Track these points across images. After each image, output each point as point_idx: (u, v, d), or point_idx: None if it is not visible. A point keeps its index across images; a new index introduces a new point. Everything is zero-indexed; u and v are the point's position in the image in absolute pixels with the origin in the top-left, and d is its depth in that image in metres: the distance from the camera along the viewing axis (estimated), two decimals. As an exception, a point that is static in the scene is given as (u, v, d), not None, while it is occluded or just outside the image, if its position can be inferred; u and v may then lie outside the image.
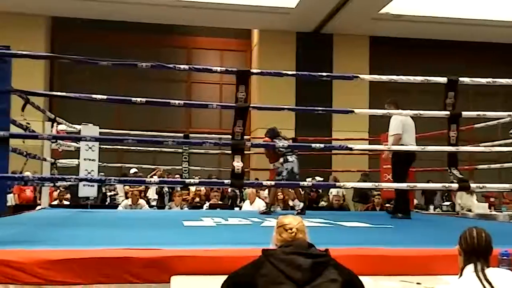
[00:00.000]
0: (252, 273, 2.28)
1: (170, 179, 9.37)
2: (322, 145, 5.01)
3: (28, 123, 5.07)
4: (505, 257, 2.88)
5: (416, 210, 9.55)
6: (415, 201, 10.63)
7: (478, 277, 2.48)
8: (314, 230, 3.72)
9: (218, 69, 4.79)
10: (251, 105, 5.06)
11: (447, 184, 4.75)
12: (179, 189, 10.20)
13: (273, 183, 6.04)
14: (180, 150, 9.08)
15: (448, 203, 11.20)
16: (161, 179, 8.81)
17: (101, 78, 13.95)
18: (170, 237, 4.32)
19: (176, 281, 2.97)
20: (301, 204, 7.25)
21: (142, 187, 10.55)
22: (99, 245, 3.27)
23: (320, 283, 2.23)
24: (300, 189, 8.55)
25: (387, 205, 9.08)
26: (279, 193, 9.24)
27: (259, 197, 9.25)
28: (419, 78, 4.75)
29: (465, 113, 4.70)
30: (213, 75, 15.06)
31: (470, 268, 2.54)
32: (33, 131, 5.51)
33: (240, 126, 4.27)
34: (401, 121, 6.51)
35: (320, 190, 11.92)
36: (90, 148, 7.12)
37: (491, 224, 6.43)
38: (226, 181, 4.35)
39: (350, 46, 15.10)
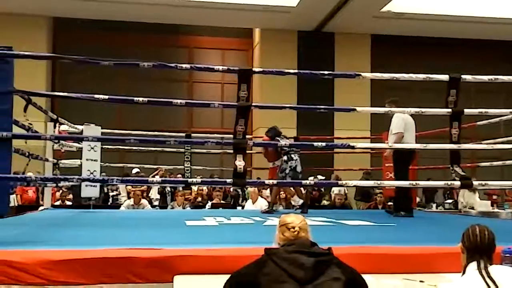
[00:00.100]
0: (255, 272, 2.28)
1: (172, 179, 9.38)
2: (324, 144, 5.01)
3: (31, 124, 5.07)
4: (508, 255, 2.88)
5: (419, 208, 9.54)
6: (417, 199, 10.61)
7: (481, 274, 2.48)
8: (317, 228, 3.72)
9: (220, 68, 4.79)
10: (253, 104, 5.06)
11: (449, 182, 4.75)
12: (181, 188, 10.21)
13: (275, 182, 6.02)
14: (182, 150, 9.08)
15: (450, 201, 11.20)
16: (163, 178, 8.80)
17: (103, 78, 13.97)
18: (173, 236, 4.32)
19: (179, 281, 2.97)
20: (300, 200, 7.25)
21: (144, 187, 10.57)
22: (102, 245, 3.28)
23: (323, 282, 2.22)
24: (302, 188, 8.57)
25: (389, 203, 9.06)
26: (281, 192, 9.24)
27: (261, 196, 9.26)
28: (421, 76, 4.74)
29: (467, 111, 4.69)
30: (215, 75, 15.07)
31: (473, 265, 2.54)
32: (36, 131, 5.52)
33: (242, 125, 4.27)
34: (403, 120, 6.53)
35: (322, 189, 11.91)
36: (92, 148, 7.12)
37: (494, 221, 6.42)
38: (228, 180, 4.35)
39: (352, 44, 15.09)
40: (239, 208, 9.62)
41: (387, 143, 6.76)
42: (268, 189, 9.05)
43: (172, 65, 4.51)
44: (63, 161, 7.37)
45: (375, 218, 6.15)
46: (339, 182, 5.45)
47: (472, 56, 15.32)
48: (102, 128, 7.56)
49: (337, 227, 5.27)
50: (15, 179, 4.54)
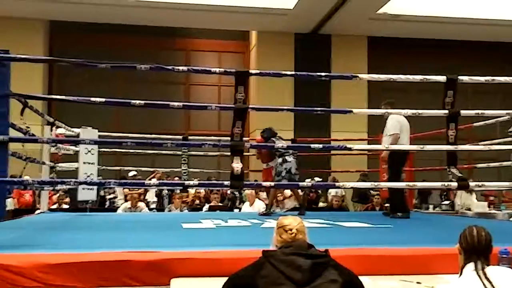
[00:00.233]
0: (252, 274, 2.28)
1: (169, 181, 9.37)
2: (321, 146, 5.01)
3: (28, 127, 5.06)
4: (505, 255, 2.89)
5: (416, 209, 9.55)
6: (414, 201, 10.62)
7: (479, 275, 2.48)
8: (314, 230, 3.72)
9: (217, 70, 4.80)
10: (250, 106, 5.07)
11: (446, 183, 4.75)
12: (178, 191, 10.20)
13: (272, 184, 6.02)
14: (179, 152, 9.08)
15: (447, 202, 11.20)
16: (160, 181, 8.80)
17: (100, 81, 13.97)
18: (170, 239, 4.31)
19: (176, 284, 2.97)
20: (290, 204, 7.25)
21: (141, 190, 10.55)
22: (99, 249, 3.27)
23: (320, 284, 2.23)
24: (299, 190, 8.56)
25: (386, 205, 9.08)
26: (278, 194, 9.24)
27: (259, 199, 9.25)
28: (418, 77, 4.75)
29: (464, 112, 4.70)
30: (212, 77, 15.08)
31: (470, 266, 2.54)
32: (33, 134, 5.51)
33: (239, 127, 4.27)
34: (398, 121, 6.57)
35: (320, 191, 11.92)
36: (89, 151, 7.12)
37: (491, 222, 6.43)
38: (225, 183, 4.35)
39: (348, 46, 15.11)
40: (236, 210, 9.61)
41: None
42: (265, 192, 9.02)
43: (169, 67, 4.51)
44: (60, 164, 7.36)
45: (372, 219, 6.15)
46: (337, 183, 5.46)
47: (469, 58, 15.35)
48: (99, 131, 7.56)
49: (334, 229, 5.28)
50: (12, 182, 4.54)
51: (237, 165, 4.18)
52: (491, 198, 11.33)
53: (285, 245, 2.41)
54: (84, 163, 7.08)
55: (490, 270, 2.52)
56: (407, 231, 5.38)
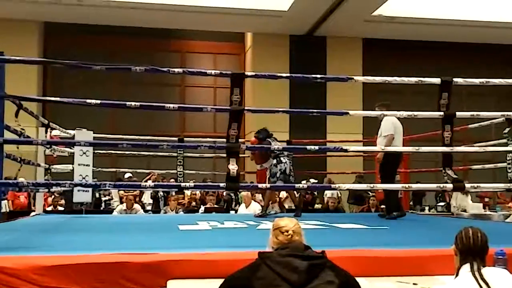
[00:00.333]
0: (248, 276, 2.28)
1: (165, 183, 9.34)
2: (316, 147, 5.01)
3: (22, 129, 5.05)
4: (500, 257, 2.89)
5: (412, 211, 9.57)
6: (410, 203, 10.65)
7: (474, 276, 2.49)
8: (310, 232, 3.72)
9: (213, 72, 4.80)
10: (246, 108, 5.07)
11: (441, 185, 4.77)
12: (174, 193, 10.19)
13: (268, 185, 6.02)
14: (174, 154, 9.07)
15: (442, 203, 11.24)
16: (156, 183, 8.78)
17: (95, 82, 13.92)
18: (166, 241, 4.30)
19: (172, 285, 2.96)
20: (276, 209, 7.29)
21: (137, 192, 10.53)
22: (94, 251, 3.26)
23: (317, 285, 2.23)
24: (295, 192, 8.56)
25: (382, 206, 9.10)
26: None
27: (255, 200, 9.25)
28: (413, 79, 4.76)
29: (459, 114, 4.72)
30: (207, 79, 15.06)
31: (466, 267, 2.55)
32: (27, 136, 5.49)
33: (235, 129, 4.27)
34: (392, 123, 6.63)
35: (316, 192, 11.93)
36: (84, 153, 7.10)
37: (486, 224, 6.46)
38: (221, 185, 4.35)
39: (343, 48, 15.13)
40: (232, 212, 9.61)
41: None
42: (260, 193, 9.03)
43: (165, 69, 4.51)
44: (55, 166, 7.34)
45: (368, 221, 6.16)
46: (333, 185, 5.46)
47: (464, 60, 15.40)
48: (94, 133, 7.54)
49: (331, 230, 5.28)
50: (7, 184, 4.52)
51: (233, 167, 4.18)
52: (486, 199, 11.37)
53: (281, 246, 2.41)
54: (79, 165, 7.06)
55: (486, 271, 2.53)
56: (403, 232, 5.39)
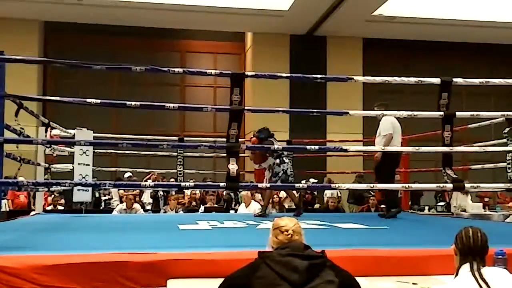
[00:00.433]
0: (248, 275, 2.28)
1: (165, 183, 9.35)
2: (317, 147, 5.02)
3: (22, 128, 5.05)
4: (500, 256, 2.90)
5: (411, 211, 9.58)
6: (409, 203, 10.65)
7: (474, 276, 2.49)
8: (310, 232, 3.72)
9: (213, 72, 4.79)
10: (246, 107, 5.07)
11: (441, 184, 4.77)
12: (174, 193, 10.19)
13: (268, 185, 6.02)
14: (174, 154, 9.07)
15: (442, 203, 11.25)
16: (156, 182, 8.79)
17: (95, 82, 13.92)
18: (166, 241, 4.31)
19: (172, 285, 2.97)
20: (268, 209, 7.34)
21: (137, 191, 10.54)
22: (95, 250, 3.26)
23: (317, 285, 2.23)
24: (295, 192, 8.57)
25: (382, 206, 9.11)
26: (274, 196, 9.25)
27: (254, 200, 9.25)
28: (412, 79, 4.76)
29: (459, 114, 4.73)
30: (207, 79, 15.06)
31: (466, 267, 2.55)
32: (27, 136, 5.49)
33: (235, 129, 4.27)
34: (391, 123, 6.67)
35: (316, 192, 11.93)
36: (84, 152, 7.10)
37: (486, 223, 6.46)
38: (221, 184, 4.35)
39: (344, 48, 15.13)
40: (232, 211, 9.61)
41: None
42: (260, 192, 9.01)
43: (165, 69, 4.51)
44: (55, 165, 7.34)
45: (368, 221, 6.17)
46: (333, 184, 5.47)
47: (464, 59, 15.40)
48: (94, 132, 7.54)
49: (331, 230, 5.28)
50: (7, 183, 4.52)
51: (233, 167, 4.18)
52: (486, 199, 11.38)
53: (281, 246, 2.41)
54: (79, 164, 7.06)
55: (486, 271, 2.53)
56: (403, 232, 5.40)
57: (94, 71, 4.55)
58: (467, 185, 4.76)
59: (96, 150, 7.77)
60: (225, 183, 4.24)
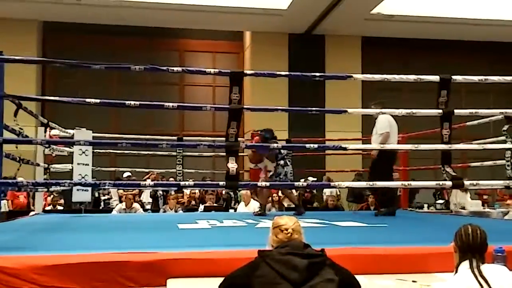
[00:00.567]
0: (248, 274, 2.29)
1: (164, 182, 9.34)
2: (316, 146, 5.02)
3: (21, 128, 5.05)
4: (499, 254, 2.90)
5: (410, 209, 9.59)
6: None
7: (474, 273, 2.50)
8: (310, 230, 3.72)
9: (212, 71, 4.80)
10: (245, 106, 5.07)
11: (441, 182, 4.78)
12: (173, 192, 10.19)
13: (268, 183, 6.02)
14: (173, 153, 9.07)
15: (441, 201, 11.25)
16: (155, 182, 8.78)
17: (94, 82, 13.90)
18: (165, 240, 4.31)
19: (172, 284, 2.97)
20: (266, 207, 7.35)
21: (136, 191, 10.53)
22: (94, 250, 3.26)
23: (317, 283, 2.23)
24: (294, 192, 8.57)
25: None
26: (273, 195, 9.24)
27: (254, 199, 9.25)
28: (411, 77, 4.77)
29: (457, 111, 4.73)
30: (206, 78, 15.06)
31: (465, 264, 2.56)
32: (26, 136, 5.49)
33: (234, 128, 4.28)
34: (388, 121, 6.70)
35: (315, 191, 11.93)
36: (83, 152, 7.10)
37: (485, 221, 6.46)
38: (221, 183, 4.35)
39: (342, 46, 15.12)
40: (231, 210, 9.61)
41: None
42: (254, 192, 8.94)
43: (164, 68, 4.51)
44: (54, 165, 7.34)
45: (367, 219, 6.17)
46: (332, 183, 5.47)
47: (463, 57, 15.41)
48: (93, 132, 7.54)
49: (330, 228, 5.29)
50: (6, 184, 4.52)
51: (232, 166, 4.18)
52: (485, 196, 11.39)
53: (281, 245, 2.42)
54: (79, 164, 7.06)
55: (485, 268, 2.53)
56: (402, 230, 5.40)
57: (93, 70, 4.55)
58: (466, 183, 4.77)
59: (95, 150, 7.77)
60: (224, 182, 4.24)
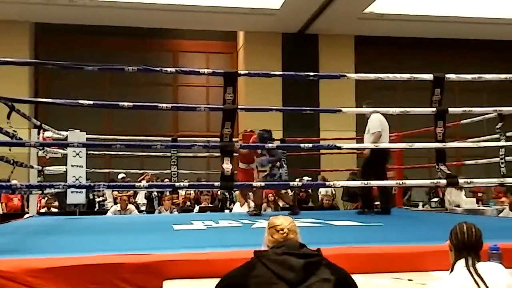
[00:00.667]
0: (244, 274, 2.28)
1: (159, 183, 9.33)
2: (310, 145, 5.02)
3: (14, 131, 5.02)
4: (495, 251, 2.91)
5: (406, 207, 9.61)
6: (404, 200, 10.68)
7: (469, 271, 2.50)
8: (305, 230, 3.72)
9: (205, 71, 4.79)
10: (239, 106, 5.06)
11: (435, 180, 4.79)
12: (168, 193, 10.16)
13: (263, 183, 6.02)
14: (168, 154, 9.06)
15: (436, 199, 11.29)
16: (150, 183, 8.76)
17: (87, 83, 13.85)
18: (161, 241, 4.29)
19: (168, 286, 2.96)
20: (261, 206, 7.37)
21: (131, 192, 10.51)
22: (89, 252, 3.25)
23: (313, 283, 2.23)
24: (289, 192, 8.57)
25: (376, 203, 9.12)
26: (269, 195, 9.23)
27: (249, 199, 9.23)
28: (405, 76, 4.78)
29: (451, 109, 4.75)
30: (200, 78, 15.04)
31: (461, 262, 2.56)
32: (20, 138, 5.46)
33: (229, 128, 4.27)
34: (380, 121, 6.72)
35: (310, 190, 11.94)
36: (77, 154, 7.07)
37: (480, 219, 6.49)
38: (216, 184, 4.35)
39: (335, 46, 15.15)
40: (227, 211, 9.60)
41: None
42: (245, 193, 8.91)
43: (157, 69, 4.50)
44: (48, 167, 7.30)
45: (362, 218, 6.18)
46: (327, 182, 5.48)
47: (456, 56, 15.46)
48: (87, 134, 7.51)
49: (326, 228, 5.29)
50: (0, 187, 4.49)
51: (227, 166, 4.18)
52: (480, 194, 11.44)
53: (276, 245, 2.41)
54: (72, 166, 7.03)
55: (481, 266, 2.54)
56: (397, 229, 5.41)
57: (85, 72, 4.53)
58: (461, 181, 4.78)
59: (89, 152, 7.74)
60: (219, 183, 4.23)
